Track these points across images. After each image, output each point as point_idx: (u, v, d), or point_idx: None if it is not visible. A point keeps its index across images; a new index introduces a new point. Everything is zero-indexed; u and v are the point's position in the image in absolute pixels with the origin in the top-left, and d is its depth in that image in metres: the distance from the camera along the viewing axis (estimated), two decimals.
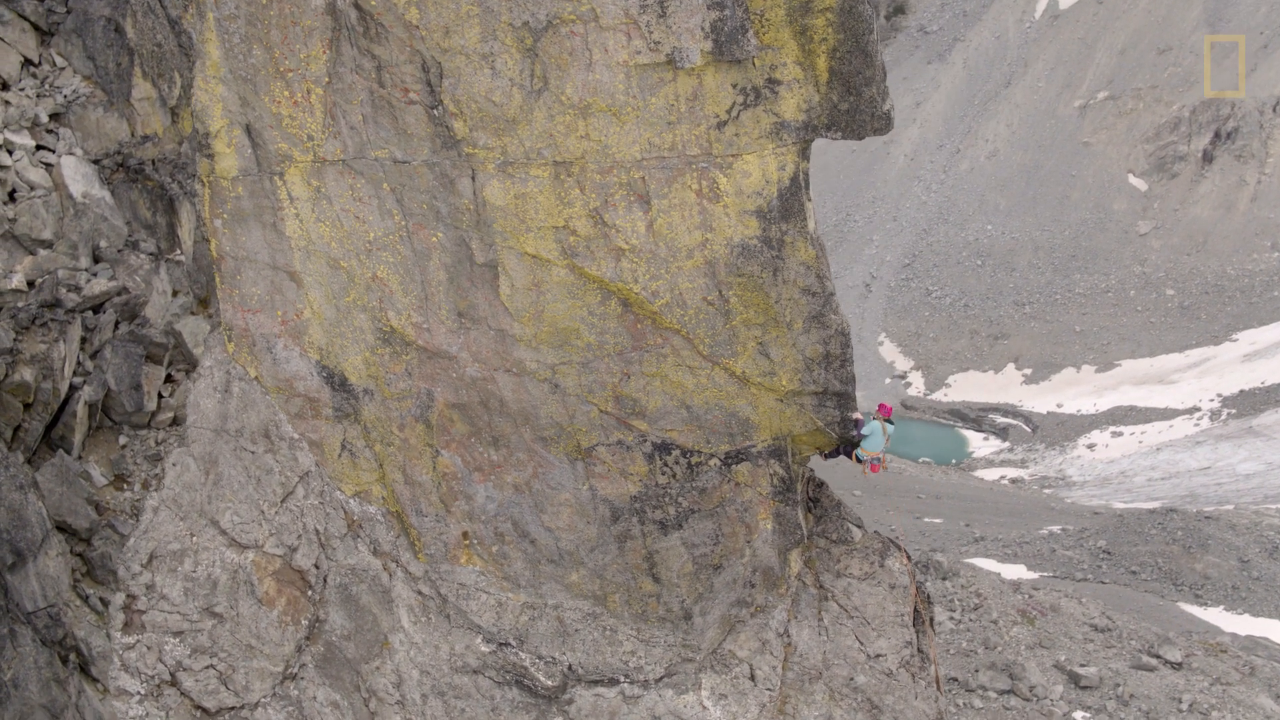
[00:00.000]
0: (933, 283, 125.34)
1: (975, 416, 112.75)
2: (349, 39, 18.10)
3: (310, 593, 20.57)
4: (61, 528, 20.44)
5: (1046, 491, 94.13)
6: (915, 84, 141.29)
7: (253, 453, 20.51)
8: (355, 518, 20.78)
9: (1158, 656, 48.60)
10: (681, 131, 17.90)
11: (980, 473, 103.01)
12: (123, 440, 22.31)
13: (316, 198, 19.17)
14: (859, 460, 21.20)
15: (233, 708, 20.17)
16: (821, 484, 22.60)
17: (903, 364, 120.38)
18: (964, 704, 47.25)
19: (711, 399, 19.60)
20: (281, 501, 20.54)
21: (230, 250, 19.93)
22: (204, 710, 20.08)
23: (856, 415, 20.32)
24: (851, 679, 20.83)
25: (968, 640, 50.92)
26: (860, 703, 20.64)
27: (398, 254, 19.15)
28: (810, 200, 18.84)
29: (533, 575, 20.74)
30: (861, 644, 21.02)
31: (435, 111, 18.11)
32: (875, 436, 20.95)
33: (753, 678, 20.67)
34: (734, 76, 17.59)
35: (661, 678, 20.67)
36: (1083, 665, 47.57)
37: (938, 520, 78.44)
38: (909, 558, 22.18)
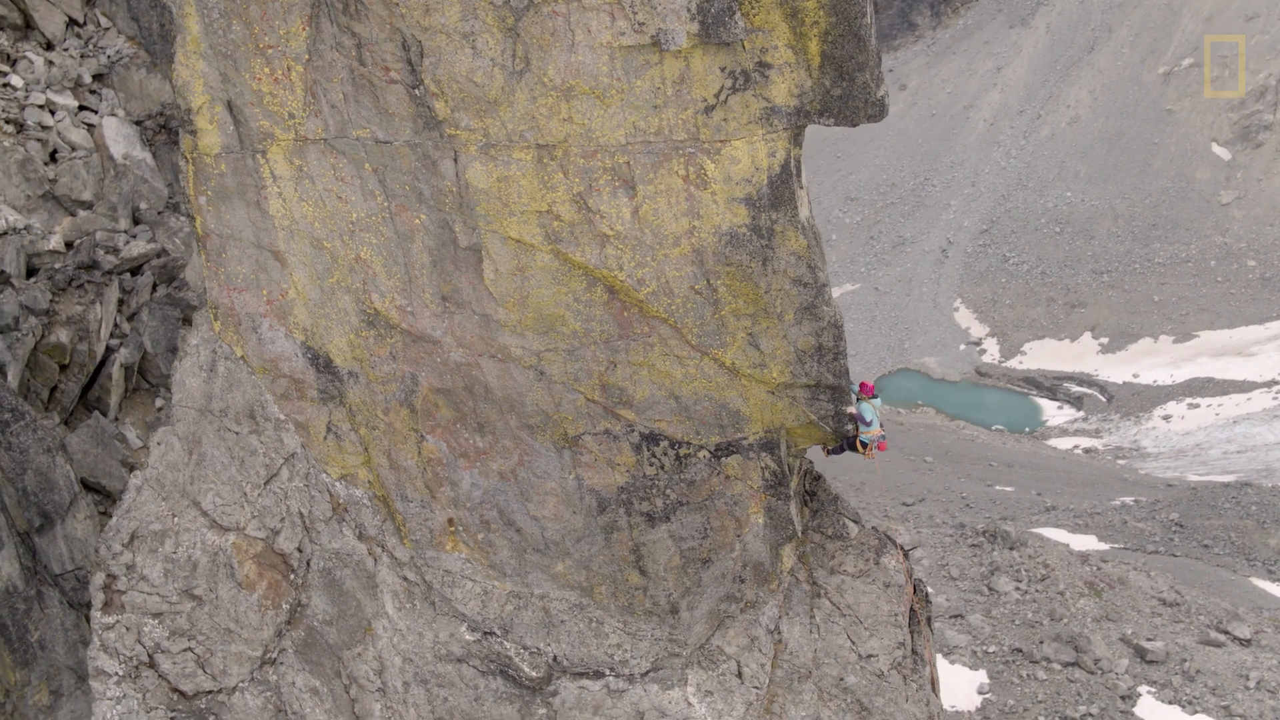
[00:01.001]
0: (1010, 249, 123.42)
1: (1050, 385, 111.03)
2: (328, 15, 17.67)
3: (293, 576, 20.29)
4: (96, 489, 20.36)
5: (1120, 462, 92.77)
6: (996, 48, 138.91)
7: (237, 433, 20.23)
8: (341, 501, 20.47)
9: (1226, 632, 48.23)
10: (668, 115, 17.32)
11: (1053, 442, 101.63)
12: (159, 403, 22.08)
13: (299, 177, 18.80)
14: (863, 445, 20.55)
15: (210, 691, 19.95)
16: (818, 477, 22.04)
17: (978, 330, 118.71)
18: (1027, 675, 47.18)
19: (700, 390, 19.09)
20: (265, 483, 20.25)
21: (215, 228, 19.64)
22: (181, 693, 19.87)
23: (850, 410, 19.70)
24: (841, 679, 20.31)
25: (1033, 611, 50.76)
26: (850, 704, 20.11)
27: (381, 235, 18.75)
28: (803, 188, 18.23)
29: (519, 564, 20.36)
30: (853, 643, 20.47)
31: (416, 91, 17.65)
32: (875, 421, 20.33)
33: (740, 675, 20.19)
34: (722, 59, 16.97)
35: (647, 672, 20.25)
36: (1150, 639, 47.40)
37: (1009, 488, 77.96)
38: (906, 556, 21.57)
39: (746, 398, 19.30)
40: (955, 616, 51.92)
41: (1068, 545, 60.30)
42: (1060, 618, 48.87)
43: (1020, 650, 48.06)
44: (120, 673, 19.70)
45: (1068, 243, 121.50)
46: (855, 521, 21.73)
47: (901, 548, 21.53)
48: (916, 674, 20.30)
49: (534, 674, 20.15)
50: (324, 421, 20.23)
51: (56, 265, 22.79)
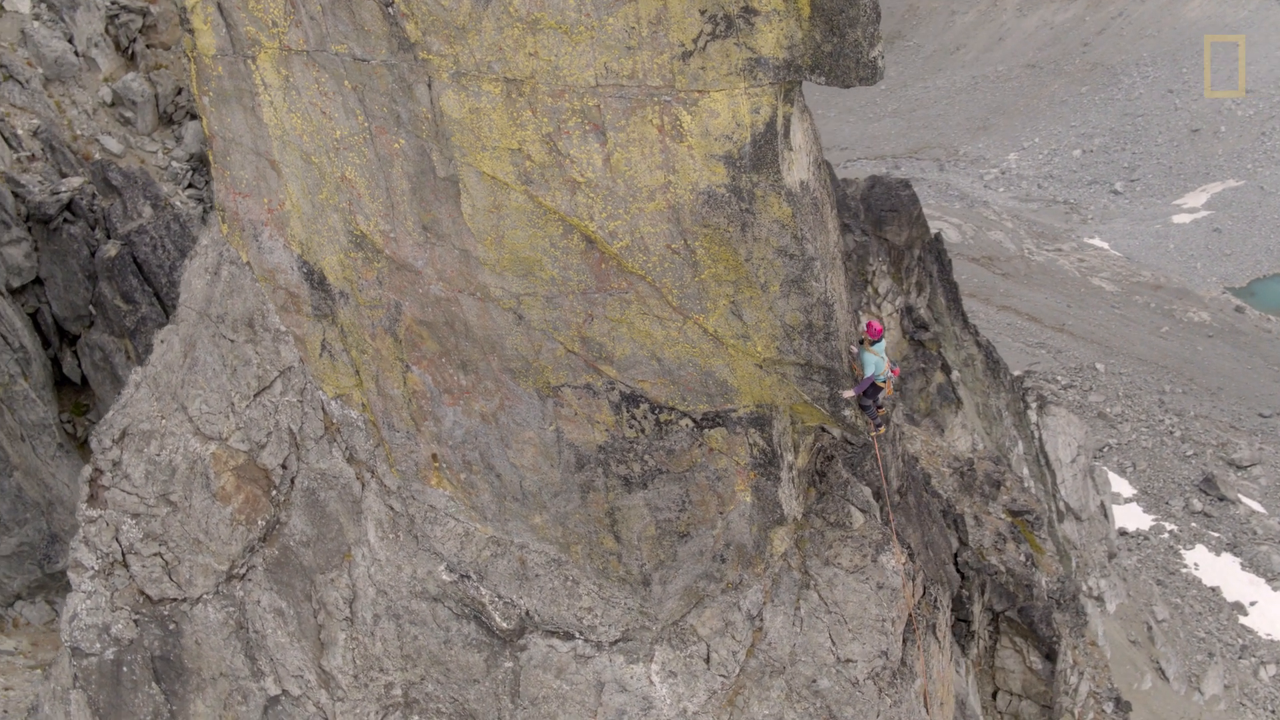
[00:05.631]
0: None
1: None
2: None
3: (274, 493, 19.83)
4: None
5: None
6: None
7: (232, 341, 19.75)
8: (335, 421, 19.80)
9: None
10: (642, 59, 15.60)
11: None
12: None
13: (286, 87, 17.94)
14: (879, 388, 18.29)
15: (174, 599, 19.83)
16: (831, 458, 20.11)
17: None
18: None
19: (684, 354, 17.52)
20: (255, 395, 19.76)
21: (218, 130, 19.02)
22: (147, 597, 19.82)
23: (847, 394, 17.67)
24: (814, 681, 18.63)
25: None
26: (817, 709, 18.43)
27: (363, 156, 17.74)
28: (794, 150, 16.23)
29: (499, 510, 19.37)
30: (834, 644, 18.73)
31: (389, 10, 16.40)
32: (875, 364, 18.01)
33: (707, 660, 18.77)
34: (702, 2, 15.08)
35: (616, 641, 19.04)
36: None
37: None
38: (910, 557, 19.55)
39: (733, 368, 17.63)
40: None
41: None
42: None
43: None
44: (96, 568, 19.79)
45: None
46: (863, 511, 19.81)
47: (907, 548, 19.55)
48: (895, 687, 18.41)
49: (505, 625, 19.23)
50: (319, 338, 19.58)
51: None
